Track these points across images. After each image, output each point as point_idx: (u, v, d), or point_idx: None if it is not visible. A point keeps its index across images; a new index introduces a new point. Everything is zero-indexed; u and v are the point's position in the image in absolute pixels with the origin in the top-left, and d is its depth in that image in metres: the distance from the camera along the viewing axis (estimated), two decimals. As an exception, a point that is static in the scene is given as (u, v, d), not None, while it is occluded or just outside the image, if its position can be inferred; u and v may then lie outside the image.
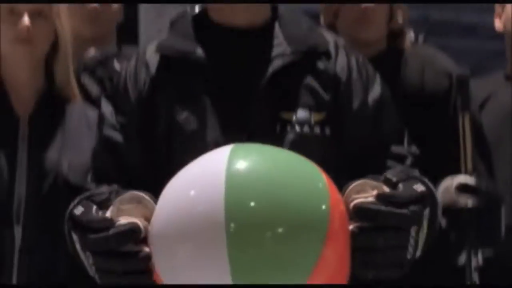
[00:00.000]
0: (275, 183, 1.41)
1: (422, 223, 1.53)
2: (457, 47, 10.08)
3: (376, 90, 1.90)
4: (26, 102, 2.18)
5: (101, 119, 1.92)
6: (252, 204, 1.38)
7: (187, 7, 3.08)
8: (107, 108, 1.91)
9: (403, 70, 2.30)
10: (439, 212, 1.60)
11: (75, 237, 1.60)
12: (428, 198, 1.55)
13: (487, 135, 2.26)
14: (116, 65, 2.54)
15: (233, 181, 1.40)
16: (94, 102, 2.35)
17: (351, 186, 1.53)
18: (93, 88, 2.49)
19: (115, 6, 2.72)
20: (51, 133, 2.16)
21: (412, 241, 1.51)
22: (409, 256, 1.52)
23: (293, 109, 1.81)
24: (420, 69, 2.30)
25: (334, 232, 1.41)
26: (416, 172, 1.67)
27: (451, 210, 1.95)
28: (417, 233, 1.52)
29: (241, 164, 1.43)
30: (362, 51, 2.11)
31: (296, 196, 1.40)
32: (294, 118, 1.80)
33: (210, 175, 1.43)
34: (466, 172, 1.93)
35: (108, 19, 2.71)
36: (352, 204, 1.49)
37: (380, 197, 1.50)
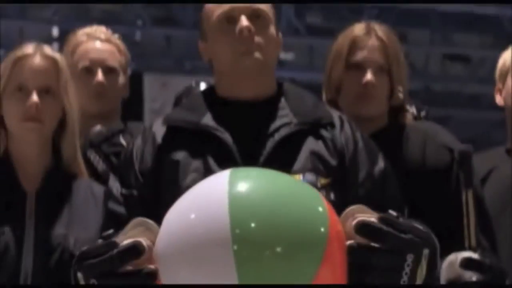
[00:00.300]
0: (278, 204, 1.45)
1: (421, 256, 1.54)
2: (459, 118, 10.16)
3: (381, 163, 1.96)
4: (34, 178, 2.20)
5: (108, 194, 1.95)
6: (256, 224, 1.42)
7: (192, 81, 3.13)
8: (114, 183, 1.95)
9: (405, 146, 2.31)
10: (438, 259, 1.62)
11: (79, 275, 1.58)
12: (428, 239, 1.58)
13: (489, 208, 2.26)
14: (122, 141, 2.57)
15: (236, 202, 1.44)
16: (99, 177, 2.38)
17: (348, 208, 1.56)
18: (99, 164, 2.51)
19: (121, 82, 2.75)
20: (57, 209, 2.17)
21: (407, 269, 1.52)
22: (402, 283, 1.53)
23: (300, 172, 1.84)
24: (421, 144, 2.30)
25: (331, 254, 1.45)
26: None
27: (455, 285, 1.95)
28: (414, 263, 1.53)
29: (243, 186, 1.47)
30: (364, 127, 2.15)
31: (298, 217, 1.45)
32: (301, 179, 1.84)
33: (212, 197, 1.47)
34: (470, 248, 1.93)
35: (114, 96, 2.74)
36: (355, 221, 1.51)
37: (383, 219, 1.53)
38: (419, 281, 1.55)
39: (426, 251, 1.55)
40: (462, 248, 1.93)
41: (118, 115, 2.78)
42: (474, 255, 1.92)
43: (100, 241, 1.60)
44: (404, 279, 1.53)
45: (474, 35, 10.28)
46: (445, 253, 1.87)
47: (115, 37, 2.79)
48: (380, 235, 1.51)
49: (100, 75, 2.67)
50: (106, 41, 2.75)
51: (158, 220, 1.61)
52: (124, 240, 1.54)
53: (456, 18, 9.82)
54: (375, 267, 1.50)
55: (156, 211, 1.83)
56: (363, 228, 1.50)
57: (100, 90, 2.66)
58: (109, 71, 2.70)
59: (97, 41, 2.73)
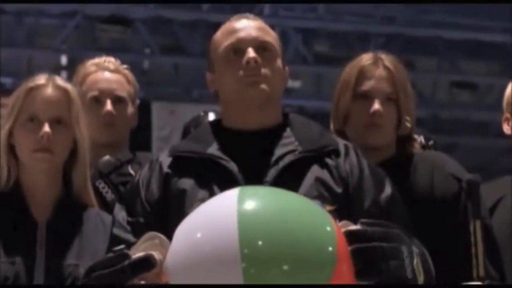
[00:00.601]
0: (286, 222, 1.49)
1: (412, 251, 1.60)
2: (466, 145, 10.14)
3: (387, 190, 1.97)
4: (44, 208, 2.21)
5: (113, 222, 1.96)
6: (264, 242, 1.45)
7: (200, 110, 3.14)
8: (120, 212, 1.96)
9: (413, 175, 2.31)
10: (430, 262, 1.67)
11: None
12: (413, 239, 1.64)
13: (497, 237, 2.26)
14: (131, 171, 2.57)
15: (245, 220, 1.47)
16: (108, 207, 2.38)
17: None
18: (108, 194, 2.51)
19: (130, 111, 2.75)
20: (68, 239, 2.17)
21: (407, 260, 1.58)
22: (409, 275, 1.58)
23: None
24: (429, 173, 2.30)
25: (339, 273, 1.49)
26: None
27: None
28: (411, 256, 1.59)
29: (251, 204, 1.51)
30: (372, 156, 2.16)
31: (306, 236, 1.48)
32: None
33: (221, 215, 1.50)
34: (478, 278, 1.93)
35: (123, 125, 2.74)
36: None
37: (364, 223, 1.61)
38: (417, 271, 1.59)
39: (415, 250, 1.61)
40: (470, 278, 1.93)
41: (126, 145, 2.78)
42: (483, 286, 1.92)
43: (110, 254, 1.61)
44: (408, 270, 1.58)
45: (481, 63, 10.28)
46: (453, 282, 1.88)
47: (124, 68, 2.81)
48: (367, 236, 1.57)
49: (109, 105, 2.67)
50: (115, 72, 2.75)
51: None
52: (137, 253, 1.56)
53: (463, 46, 9.84)
54: (380, 264, 1.55)
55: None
56: (349, 236, 1.55)
57: (109, 120, 2.66)
58: (118, 101, 2.70)
59: (106, 71, 2.74)
